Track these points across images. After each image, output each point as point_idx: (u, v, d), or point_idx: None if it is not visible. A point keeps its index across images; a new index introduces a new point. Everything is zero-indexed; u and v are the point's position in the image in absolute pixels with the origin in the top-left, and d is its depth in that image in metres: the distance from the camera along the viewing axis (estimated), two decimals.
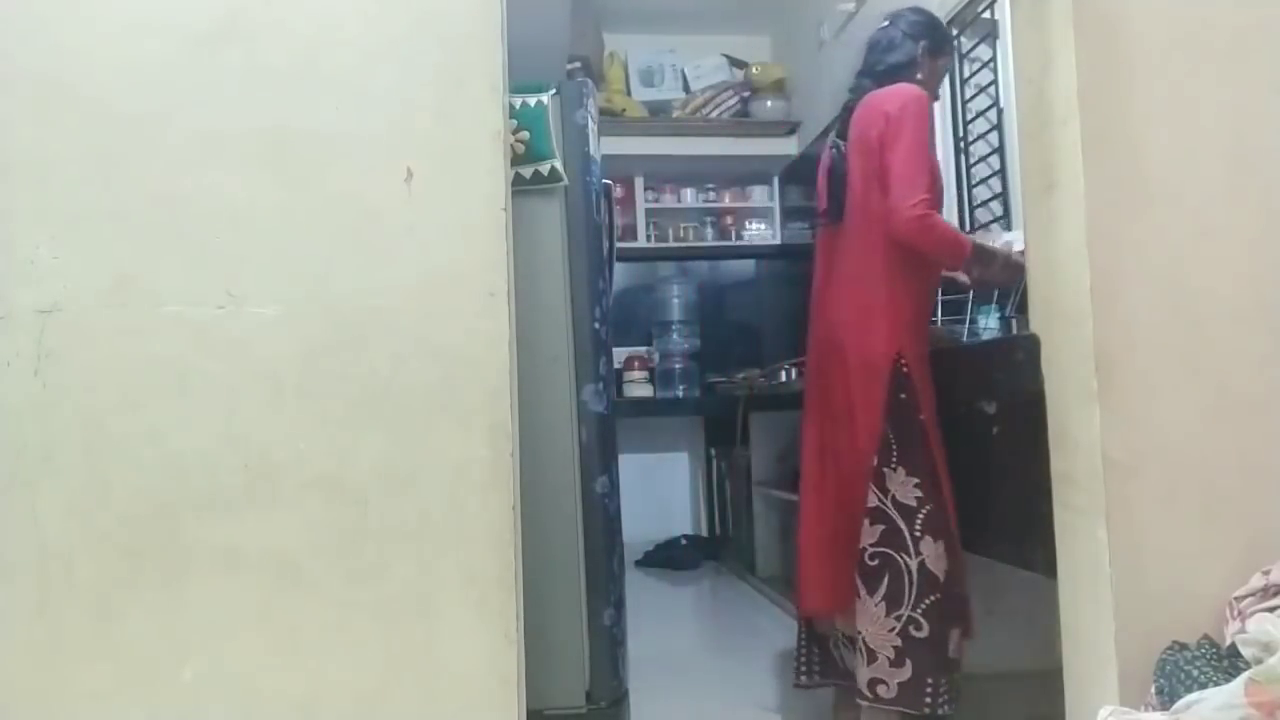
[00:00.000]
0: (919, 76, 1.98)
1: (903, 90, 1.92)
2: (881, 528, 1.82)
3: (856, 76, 2.07)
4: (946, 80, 3.06)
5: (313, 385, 1.31)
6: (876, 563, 1.82)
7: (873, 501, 1.84)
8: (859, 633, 1.83)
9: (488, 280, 1.34)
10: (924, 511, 1.81)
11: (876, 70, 2.02)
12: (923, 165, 1.86)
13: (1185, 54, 1.44)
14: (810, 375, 2.08)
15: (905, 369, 1.86)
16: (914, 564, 1.79)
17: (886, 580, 1.80)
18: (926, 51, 2.01)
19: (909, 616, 1.78)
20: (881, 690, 1.79)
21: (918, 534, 1.80)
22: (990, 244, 2.08)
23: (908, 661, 1.77)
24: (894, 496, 1.82)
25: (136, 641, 1.28)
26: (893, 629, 1.79)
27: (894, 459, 1.83)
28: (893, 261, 1.89)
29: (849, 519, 1.90)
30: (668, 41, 4.74)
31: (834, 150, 2.03)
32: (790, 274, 4.41)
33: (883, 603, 1.80)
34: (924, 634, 1.78)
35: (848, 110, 2.03)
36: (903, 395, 1.86)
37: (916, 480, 1.82)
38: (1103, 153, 1.40)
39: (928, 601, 1.79)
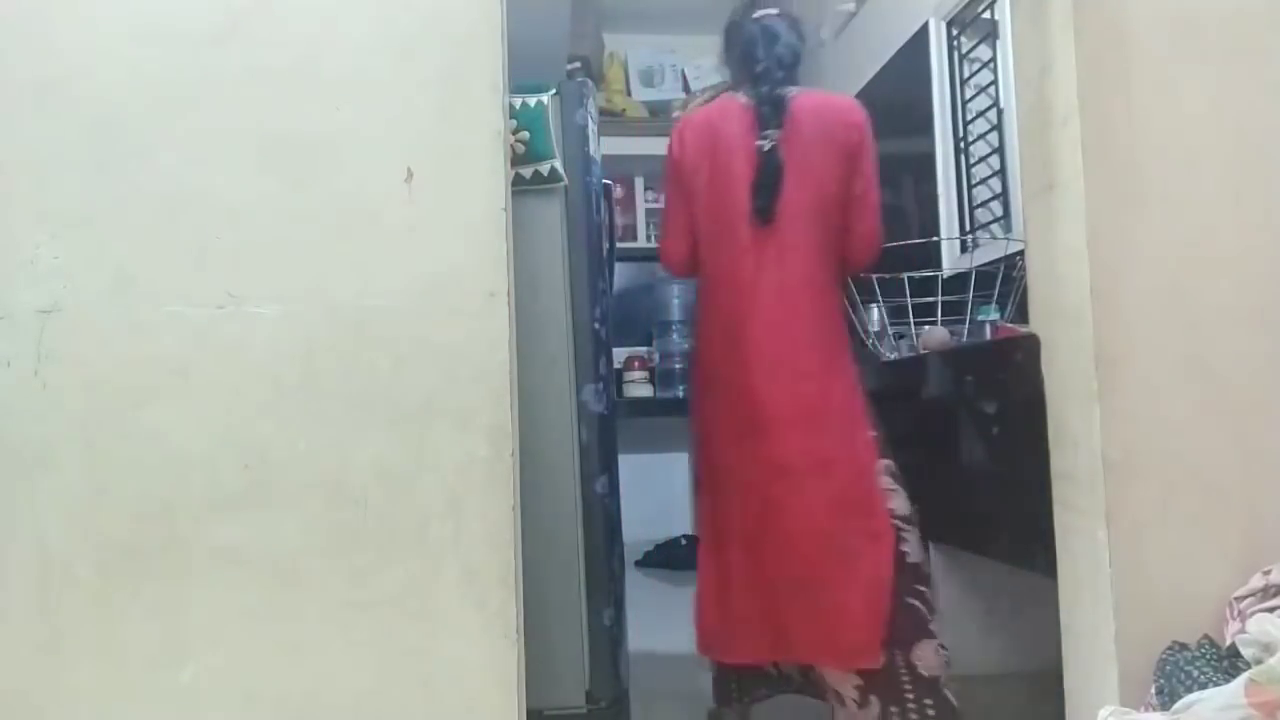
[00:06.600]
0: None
1: (854, 102, 1.94)
2: None
3: (763, 62, 1.88)
4: (946, 80, 3.06)
5: (313, 385, 1.32)
6: None
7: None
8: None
9: (488, 280, 1.34)
10: None
11: (786, 64, 1.89)
12: None
13: (1185, 55, 1.44)
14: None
15: None
16: None
17: None
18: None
19: None
20: None
21: None
22: None
23: None
24: None
25: (136, 641, 1.28)
26: None
27: None
28: (837, 284, 1.91)
29: None
30: (668, 41, 4.73)
31: (766, 141, 1.83)
32: None
33: None
34: None
35: (776, 100, 1.85)
36: None
37: None
38: (1103, 153, 1.40)
39: None
